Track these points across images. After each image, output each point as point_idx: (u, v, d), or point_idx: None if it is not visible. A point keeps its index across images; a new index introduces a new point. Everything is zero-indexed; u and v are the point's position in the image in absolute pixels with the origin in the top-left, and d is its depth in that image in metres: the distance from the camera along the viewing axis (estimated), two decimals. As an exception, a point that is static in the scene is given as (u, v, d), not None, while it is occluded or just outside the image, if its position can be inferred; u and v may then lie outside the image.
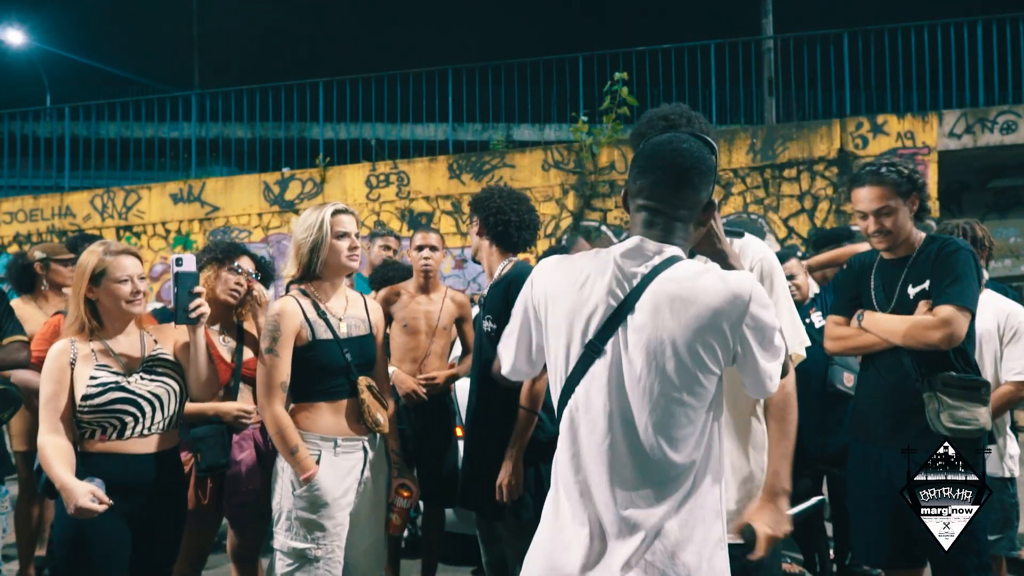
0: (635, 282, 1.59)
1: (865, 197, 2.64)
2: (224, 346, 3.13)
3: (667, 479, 1.57)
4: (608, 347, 1.59)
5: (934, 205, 8.69)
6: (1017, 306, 3.32)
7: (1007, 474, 3.37)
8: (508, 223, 2.94)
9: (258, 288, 3.15)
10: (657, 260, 1.61)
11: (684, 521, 1.57)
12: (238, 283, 3.13)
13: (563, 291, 1.67)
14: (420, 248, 3.86)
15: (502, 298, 2.81)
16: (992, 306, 3.27)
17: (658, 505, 1.56)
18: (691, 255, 1.73)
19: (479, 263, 3.10)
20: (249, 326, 3.22)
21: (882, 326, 2.66)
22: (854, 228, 5.14)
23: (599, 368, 1.59)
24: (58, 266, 4.15)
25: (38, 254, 4.17)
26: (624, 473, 1.57)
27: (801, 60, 10.06)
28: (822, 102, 10.37)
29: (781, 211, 9.05)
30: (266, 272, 3.38)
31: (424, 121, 11.11)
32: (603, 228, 9.21)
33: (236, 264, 3.14)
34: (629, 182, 1.71)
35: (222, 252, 3.15)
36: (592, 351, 1.60)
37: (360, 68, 10.88)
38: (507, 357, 1.83)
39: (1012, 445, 3.43)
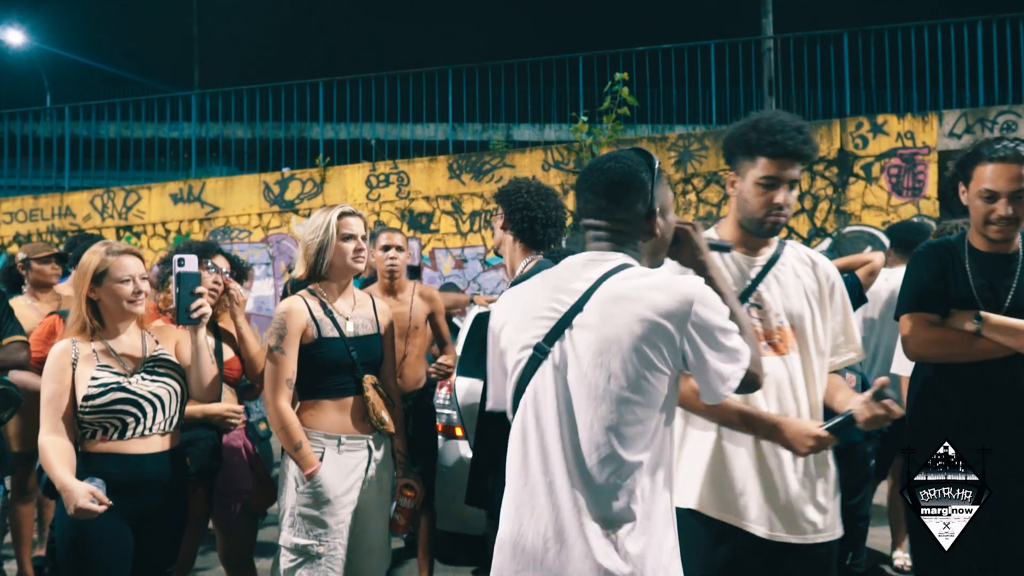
0: (585, 287, 1.64)
1: (1002, 175, 2.29)
2: None
3: (617, 477, 1.57)
4: (555, 348, 1.63)
5: (934, 205, 8.69)
6: None
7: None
8: (535, 219, 2.88)
9: (234, 287, 3.14)
10: (606, 267, 1.66)
11: (635, 525, 1.57)
12: (215, 282, 3.13)
13: (516, 309, 1.75)
14: (386, 248, 3.83)
15: None
16: None
17: (609, 506, 1.57)
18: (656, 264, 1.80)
19: (501, 256, 3.08)
20: (226, 325, 3.21)
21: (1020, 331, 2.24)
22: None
23: (546, 370, 1.64)
24: (38, 265, 4.18)
25: (20, 255, 4.23)
26: (575, 474, 1.59)
27: (801, 60, 10.07)
28: (822, 102, 10.37)
29: (781, 211, 9.04)
30: (241, 270, 3.37)
31: (424, 121, 11.13)
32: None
33: (211, 263, 3.13)
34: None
35: (197, 252, 3.14)
36: (539, 353, 1.65)
37: (360, 68, 10.90)
38: (490, 390, 1.89)
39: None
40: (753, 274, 2.14)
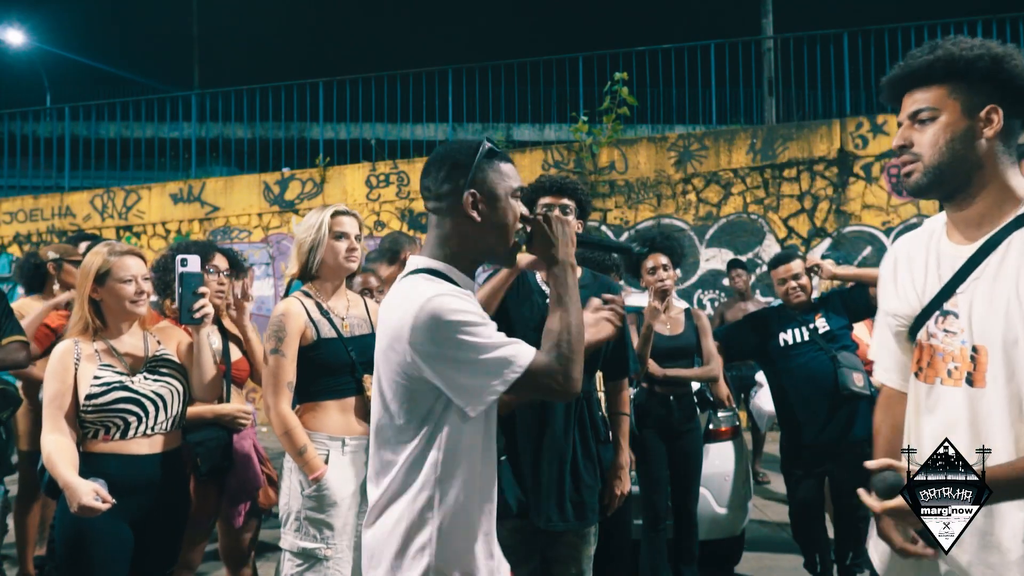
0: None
1: None
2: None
3: (384, 471, 1.59)
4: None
5: (934, 205, 8.70)
6: None
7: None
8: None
9: (246, 283, 3.12)
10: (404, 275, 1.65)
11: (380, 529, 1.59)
12: (220, 283, 3.12)
13: None
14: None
15: None
16: None
17: (377, 499, 1.60)
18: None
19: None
20: (229, 325, 3.19)
21: None
22: None
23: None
24: (71, 267, 4.18)
25: (51, 255, 4.22)
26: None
27: (801, 60, 10.08)
28: (822, 102, 10.38)
29: (781, 211, 9.05)
30: (240, 267, 3.34)
31: (424, 121, 11.13)
32: (603, 228, 9.22)
33: (210, 266, 3.10)
34: None
35: (197, 253, 3.12)
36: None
37: (360, 68, 10.91)
38: None
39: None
40: (951, 270, 1.56)
